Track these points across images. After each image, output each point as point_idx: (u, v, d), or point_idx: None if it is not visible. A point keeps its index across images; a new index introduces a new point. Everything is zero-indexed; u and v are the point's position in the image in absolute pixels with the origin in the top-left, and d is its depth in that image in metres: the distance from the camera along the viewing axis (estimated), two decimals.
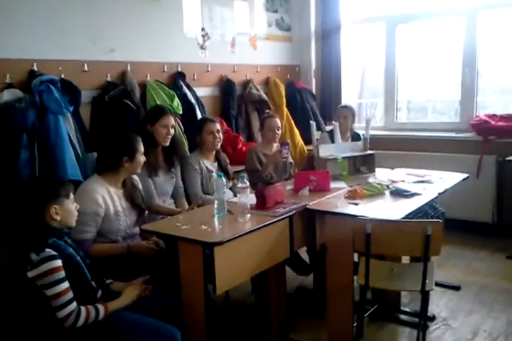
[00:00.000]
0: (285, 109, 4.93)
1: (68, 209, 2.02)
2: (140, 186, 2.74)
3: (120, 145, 2.56)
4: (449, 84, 5.04)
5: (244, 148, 4.15)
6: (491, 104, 4.95)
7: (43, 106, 2.92)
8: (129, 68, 3.65)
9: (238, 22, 4.68)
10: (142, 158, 2.59)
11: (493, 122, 4.50)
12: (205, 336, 2.21)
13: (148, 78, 3.80)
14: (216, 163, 3.41)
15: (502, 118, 4.54)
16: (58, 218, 1.97)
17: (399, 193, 2.89)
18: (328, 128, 4.69)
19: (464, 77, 4.78)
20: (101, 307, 1.96)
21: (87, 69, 3.40)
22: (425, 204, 2.80)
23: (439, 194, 2.94)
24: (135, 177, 2.72)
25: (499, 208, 4.50)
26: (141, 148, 2.60)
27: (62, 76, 3.20)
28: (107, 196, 2.47)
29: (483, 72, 4.77)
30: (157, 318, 2.06)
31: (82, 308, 1.90)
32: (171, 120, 3.10)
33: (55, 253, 1.87)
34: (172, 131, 3.09)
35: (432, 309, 3.09)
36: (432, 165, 4.00)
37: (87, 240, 2.38)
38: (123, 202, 2.56)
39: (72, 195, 2.06)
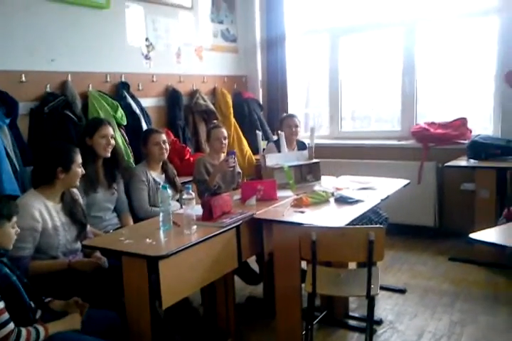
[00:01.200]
0: (233, 119, 4.94)
1: (6, 232, 1.92)
2: (81, 200, 2.66)
3: (54, 155, 2.47)
4: (391, 93, 5.20)
5: (191, 159, 4.13)
6: (430, 112, 5.14)
7: None
8: (69, 78, 3.57)
9: (183, 32, 4.67)
10: (80, 170, 2.50)
11: (432, 130, 4.68)
12: None
13: (91, 88, 3.72)
14: (163, 175, 3.37)
15: (440, 125, 4.73)
16: None
17: (343, 200, 2.95)
18: (275, 137, 4.73)
19: (404, 87, 4.96)
20: (41, 329, 1.87)
21: (24, 79, 3.30)
22: (369, 210, 2.87)
23: (382, 200, 3.02)
24: (75, 190, 2.64)
25: (440, 212, 4.67)
26: (79, 159, 2.51)
27: None
28: (44, 210, 2.39)
29: (422, 81, 4.95)
30: (102, 336, 2.01)
31: (23, 329, 1.82)
32: (110, 130, 3.05)
33: None
34: (112, 141, 3.03)
35: (379, 313, 3.16)
36: (375, 172, 4.11)
37: (25, 257, 2.29)
38: (62, 216, 2.48)
39: (14, 219, 1.95)
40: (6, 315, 1.79)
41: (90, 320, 2.11)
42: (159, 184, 3.22)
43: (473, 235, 2.67)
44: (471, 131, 4.60)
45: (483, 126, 4.78)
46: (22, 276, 1.99)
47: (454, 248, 4.30)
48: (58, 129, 3.31)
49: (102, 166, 3.03)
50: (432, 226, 4.65)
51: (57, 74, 3.52)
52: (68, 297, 2.14)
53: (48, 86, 3.45)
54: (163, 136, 3.34)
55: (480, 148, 4.09)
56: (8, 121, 2.97)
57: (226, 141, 3.64)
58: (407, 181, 3.51)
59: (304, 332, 2.61)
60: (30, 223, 2.31)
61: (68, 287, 2.29)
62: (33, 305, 1.98)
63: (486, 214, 3.87)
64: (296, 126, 4.04)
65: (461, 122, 4.66)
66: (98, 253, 2.52)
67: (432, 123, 4.78)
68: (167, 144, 3.33)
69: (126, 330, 2.18)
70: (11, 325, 1.79)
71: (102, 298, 2.30)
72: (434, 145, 4.61)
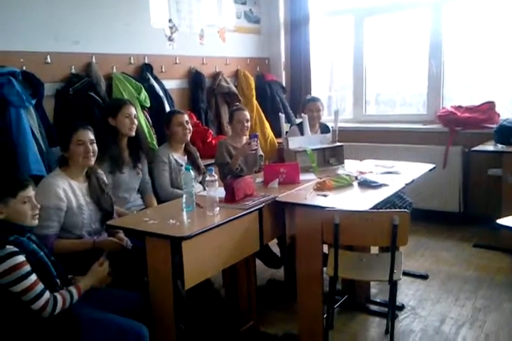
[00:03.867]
0: (255, 102, 4.91)
1: (15, 209, 1.92)
2: (106, 181, 2.67)
3: (61, 137, 2.50)
4: (417, 76, 5.09)
5: (214, 142, 4.12)
6: (457, 96, 5.02)
7: (3, 99, 2.83)
8: (94, 60, 3.58)
9: (206, 14, 4.62)
10: (80, 148, 2.44)
11: (458, 113, 4.58)
12: (175, 332, 2.19)
13: (115, 70, 3.73)
14: (186, 157, 3.38)
15: (467, 109, 4.62)
16: (2, 217, 1.90)
17: (367, 184, 2.91)
18: (298, 120, 4.69)
19: (430, 69, 4.84)
20: (73, 289, 1.97)
21: (49, 61, 3.32)
22: (393, 194, 2.83)
23: (406, 184, 2.97)
24: (100, 171, 2.65)
25: (465, 198, 4.59)
26: (77, 136, 2.45)
27: (24, 68, 3.11)
28: (68, 189, 2.41)
29: (449, 64, 4.83)
30: (125, 316, 2.03)
31: (57, 295, 1.90)
32: (133, 110, 3.05)
33: (15, 249, 1.82)
34: (135, 120, 3.03)
35: (401, 298, 3.14)
36: (399, 156, 4.06)
37: (51, 235, 2.32)
38: (87, 196, 2.50)
39: (22, 194, 1.94)
40: (41, 286, 1.85)
41: (114, 299, 2.15)
42: (182, 165, 3.22)
43: (500, 221, 2.63)
44: (499, 115, 4.49)
45: None
46: (49, 254, 2.03)
47: (478, 234, 4.24)
48: (83, 110, 3.33)
49: (126, 146, 3.05)
50: (456, 212, 4.58)
51: (81, 56, 3.53)
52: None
53: (73, 67, 3.46)
54: (186, 117, 3.33)
55: (508, 133, 3.99)
56: (34, 101, 2.99)
57: (248, 124, 3.61)
58: (432, 166, 3.44)
59: (325, 316, 2.61)
60: (55, 202, 2.33)
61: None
62: (59, 282, 2.02)
63: None
64: (318, 111, 3.96)
65: (489, 106, 4.54)
66: (122, 234, 2.55)
67: (459, 107, 4.67)
68: (190, 125, 3.33)
69: (149, 310, 2.20)
70: (47, 294, 1.86)
71: (126, 279, 2.33)
72: (461, 129, 4.52)
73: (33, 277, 1.84)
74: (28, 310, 1.83)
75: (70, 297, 1.94)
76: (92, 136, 2.51)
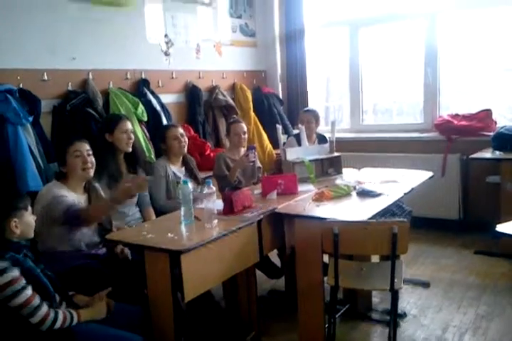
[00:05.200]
0: (252, 114, 4.94)
1: (27, 222, 1.98)
2: (103, 194, 2.70)
3: (58, 152, 2.54)
4: (414, 85, 5.12)
5: (212, 154, 4.14)
6: (454, 104, 5.05)
7: (0, 116, 2.85)
8: (90, 76, 3.61)
9: (202, 28, 4.67)
10: (77, 160, 2.50)
11: (455, 122, 4.60)
12: None
13: (111, 86, 3.76)
14: (183, 168, 3.39)
15: (464, 117, 4.64)
16: (18, 231, 1.93)
17: (365, 194, 2.92)
18: (296, 131, 4.71)
19: (426, 78, 4.87)
20: (74, 314, 1.95)
21: (46, 78, 3.35)
22: (391, 204, 2.84)
23: (405, 194, 2.98)
24: (96, 185, 2.68)
25: (465, 205, 4.59)
26: (73, 148, 2.51)
27: (21, 85, 3.14)
28: (68, 197, 2.45)
29: (445, 72, 4.86)
30: (126, 329, 2.03)
31: (59, 312, 1.90)
32: (129, 125, 3.08)
33: (5, 265, 1.82)
34: (132, 136, 3.05)
35: (403, 307, 3.12)
36: (397, 165, 4.07)
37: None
38: None
39: (30, 208, 2.01)
40: (37, 299, 1.85)
41: (114, 313, 2.14)
42: (180, 178, 3.23)
43: (499, 228, 2.63)
44: (496, 123, 4.51)
45: (509, 117, 4.68)
46: (46, 270, 2.03)
47: (479, 241, 4.22)
48: (80, 126, 3.36)
49: (123, 161, 3.06)
50: (456, 219, 4.57)
51: (78, 72, 3.56)
52: (92, 292, 2.17)
53: (70, 84, 3.49)
54: (181, 130, 3.35)
55: (505, 140, 4.00)
56: (31, 119, 3.02)
57: (246, 136, 3.63)
58: (430, 174, 3.46)
59: (326, 326, 2.60)
60: (60, 200, 2.39)
61: (92, 282, 2.32)
62: (58, 297, 2.02)
63: (511, 207, 3.79)
64: (310, 122, 3.97)
65: (486, 114, 4.56)
66: (121, 246, 2.55)
67: (456, 115, 4.69)
68: (185, 137, 3.34)
69: (149, 323, 2.20)
70: (45, 307, 1.86)
71: (126, 293, 2.33)
72: (458, 137, 4.53)
73: (29, 291, 1.84)
74: (27, 323, 1.83)
75: (70, 319, 1.93)
76: (88, 147, 2.55)
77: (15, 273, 1.82)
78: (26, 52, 3.24)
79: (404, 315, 3.02)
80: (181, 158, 3.38)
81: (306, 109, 4.25)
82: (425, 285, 3.46)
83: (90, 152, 2.55)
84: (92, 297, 2.13)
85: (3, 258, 1.84)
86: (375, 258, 3.17)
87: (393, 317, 2.56)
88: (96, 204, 2.52)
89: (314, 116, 4.05)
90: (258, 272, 2.97)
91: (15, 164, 2.85)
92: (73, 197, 2.49)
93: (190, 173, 3.35)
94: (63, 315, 1.90)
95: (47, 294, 1.94)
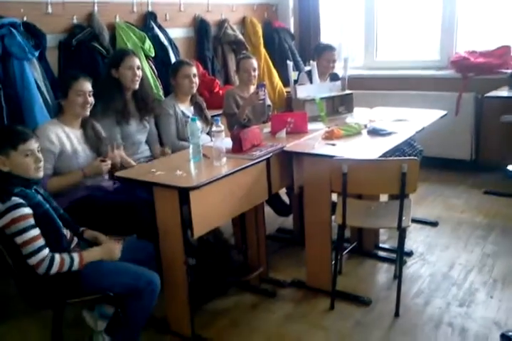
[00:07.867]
0: (263, 50, 4.79)
1: (16, 162, 1.91)
2: (102, 132, 2.70)
3: (59, 85, 2.53)
4: (431, 21, 4.89)
5: (221, 92, 4.06)
6: (471, 41, 4.84)
7: (5, 51, 2.79)
8: (95, 9, 3.47)
9: None
10: (78, 98, 2.48)
11: (472, 59, 4.44)
12: (185, 281, 2.24)
13: (118, 19, 3.63)
14: (192, 108, 3.33)
15: (481, 54, 4.48)
16: (6, 169, 1.91)
17: (376, 132, 2.87)
18: (307, 68, 4.58)
19: (444, 13, 4.66)
20: (76, 258, 1.92)
21: (51, 11, 3.23)
22: (402, 142, 2.80)
23: (417, 132, 2.94)
24: (99, 128, 2.67)
25: (477, 145, 4.54)
26: (77, 85, 2.48)
27: (25, 19, 3.04)
28: (62, 134, 2.48)
29: (463, 8, 4.63)
30: (137, 264, 2.08)
31: (57, 255, 1.88)
32: (136, 61, 2.96)
33: (21, 201, 1.83)
34: (139, 72, 2.95)
35: (410, 245, 3.17)
36: (411, 103, 3.98)
37: (44, 177, 2.25)
38: (82, 142, 2.57)
39: (22, 147, 1.92)
40: (41, 242, 1.85)
41: (126, 249, 2.18)
42: (188, 117, 3.18)
43: (511, 167, 2.60)
44: None
45: None
46: (57, 207, 2.05)
47: (489, 181, 4.21)
48: (87, 62, 3.28)
49: (132, 98, 3.00)
50: (467, 159, 4.54)
51: (83, 5, 3.43)
52: (104, 229, 2.21)
53: (75, 17, 3.37)
54: (194, 69, 3.24)
55: None
56: (37, 53, 2.94)
57: (256, 73, 3.53)
58: (443, 112, 3.38)
59: (333, 262, 2.66)
60: (46, 145, 2.38)
61: (104, 220, 2.36)
62: (68, 233, 2.06)
63: None
64: (335, 61, 3.78)
65: (504, 50, 4.40)
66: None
67: (473, 52, 4.53)
68: (197, 78, 3.25)
69: (159, 260, 2.25)
70: (45, 251, 1.85)
71: (136, 231, 2.37)
72: (474, 74, 4.39)
73: (35, 231, 1.84)
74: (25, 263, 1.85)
75: (69, 262, 1.90)
76: (90, 88, 2.55)
77: (25, 210, 1.83)
78: None
79: (410, 253, 3.07)
80: (190, 96, 3.31)
81: (328, 45, 3.85)
82: (433, 224, 3.50)
83: (92, 92, 2.55)
84: (100, 235, 2.17)
85: (14, 194, 1.84)
86: (383, 198, 3.19)
87: (400, 254, 2.60)
88: (69, 175, 2.50)
89: (338, 54, 3.85)
90: (267, 210, 3.00)
91: (22, 100, 2.82)
92: (69, 131, 2.52)
93: (200, 114, 3.29)
94: (60, 258, 1.87)
95: (56, 230, 1.95)
